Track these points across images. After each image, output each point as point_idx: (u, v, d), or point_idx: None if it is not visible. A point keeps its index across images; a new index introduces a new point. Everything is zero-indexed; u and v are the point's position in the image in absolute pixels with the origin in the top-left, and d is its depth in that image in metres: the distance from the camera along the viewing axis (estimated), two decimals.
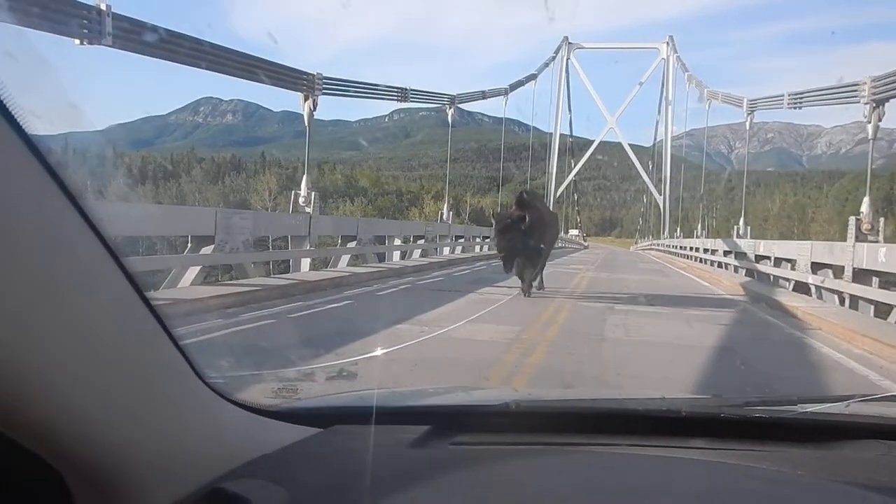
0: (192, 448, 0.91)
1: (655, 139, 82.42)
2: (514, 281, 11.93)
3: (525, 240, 11.06)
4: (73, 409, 0.70)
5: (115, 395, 0.76)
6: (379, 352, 5.57)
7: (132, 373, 0.79)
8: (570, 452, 1.21)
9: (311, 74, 13.68)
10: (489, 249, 26.33)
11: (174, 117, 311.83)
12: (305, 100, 13.67)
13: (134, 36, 10.35)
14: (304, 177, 14.19)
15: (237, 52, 12.47)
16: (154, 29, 11.09)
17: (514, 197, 12.71)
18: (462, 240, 25.77)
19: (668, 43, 73.50)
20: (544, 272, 13.04)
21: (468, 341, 7.08)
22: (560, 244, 52.36)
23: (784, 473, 1.10)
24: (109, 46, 9.69)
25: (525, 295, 11.44)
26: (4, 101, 0.59)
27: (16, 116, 0.60)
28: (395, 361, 5.35)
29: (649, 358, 6.83)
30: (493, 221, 11.97)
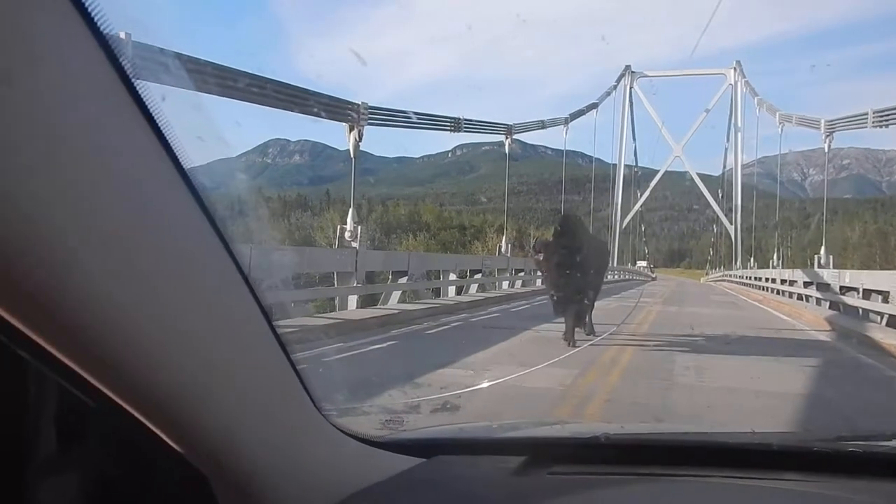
0: (314, 472, 0.99)
1: (724, 167, 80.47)
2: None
3: (582, 273, 9.34)
4: (216, 423, 0.78)
5: (249, 416, 0.83)
6: (485, 384, 6.12)
7: (266, 398, 0.87)
8: (661, 481, 1.23)
9: (356, 104, 13.22)
10: None
11: (244, 159, 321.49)
12: (350, 130, 13.19)
13: (195, 74, 10.26)
14: (351, 210, 13.66)
15: (279, 82, 12.17)
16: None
17: (557, 223, 10.48)
18: (522, 273, 24.85)
19: (735, 68, 71.90)
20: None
21: (516, 389, 6.27)
22: (627, 276, 51.49)
23: None
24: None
25: (570, 344, 9.09)
26: (173, 145, 0.66)
27: (174, 149, 0.66)
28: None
29: (727, 408, 5.87)
30: (535, 252, 9.92)
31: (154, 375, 0.69)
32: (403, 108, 17.58)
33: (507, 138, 23.74)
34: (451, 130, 18.71)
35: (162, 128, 0.65)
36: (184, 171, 0.67)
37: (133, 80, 0.61)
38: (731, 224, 68.14)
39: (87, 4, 0.55)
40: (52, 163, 0.53)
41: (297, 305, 10.76)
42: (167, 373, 0.70)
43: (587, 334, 10.06)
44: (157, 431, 0.75)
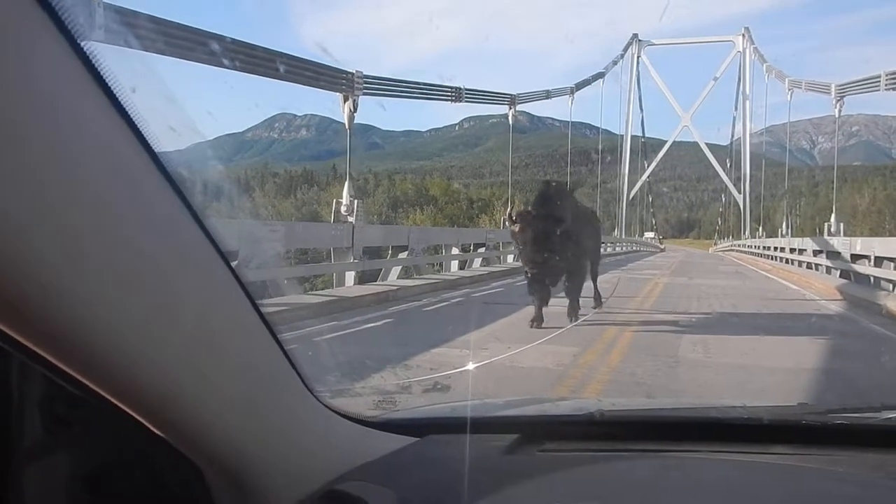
0: (307, 454, 0.99)
1: (733, 136, 79.60)
2: (585, 289, 10.73)
3: (565, 248, 8.17)
4: (206, 414, 0.77)
5: (239, 403, 0.83)
6: (471, 366, 5.79)
7: (255, 383, 0.86)
8: (653, 457, 1.24)
9: (349, 73, 12.75)
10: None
11: (251, 134, 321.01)
12: (345, 101, 12.73)
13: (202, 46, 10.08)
14: (346, 184, 13.24)
15: (270, 50, 11.76)
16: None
17: (537, 192, 9.18)
18: None
19: (744, 35, 70.76)
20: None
21: (513, 369, 5.96)
22: (634, 247, 51.19)
23: (866, 476, 1.15)
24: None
25: (572, 319, 8.55)
26: (138, 124, 0.63)
27: (144, 134, 0.64)
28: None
29: (736, 386, 5.57)
30: (510, 223, 8.48)
31: (136, 367, 0.68)
32: (406, 80, 17.08)
33: (510, 108, 23.22)
34: (451, 100, 18.18)
35: (130, 113, 0.62)
36: (155, 155, 0.65)
37: (87, 51, 0.57)
38: (740, 193, 67.59)
39: None
40: (13, 157, 0.51)
41: (291, 283, 10.46)
42: (149, 363, 0.69)
43: (594, 308, 9.60)
44: (145, 422, 0.74)
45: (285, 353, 0.92)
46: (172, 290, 0.69)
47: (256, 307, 0.83)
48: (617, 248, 43.28)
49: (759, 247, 36.98)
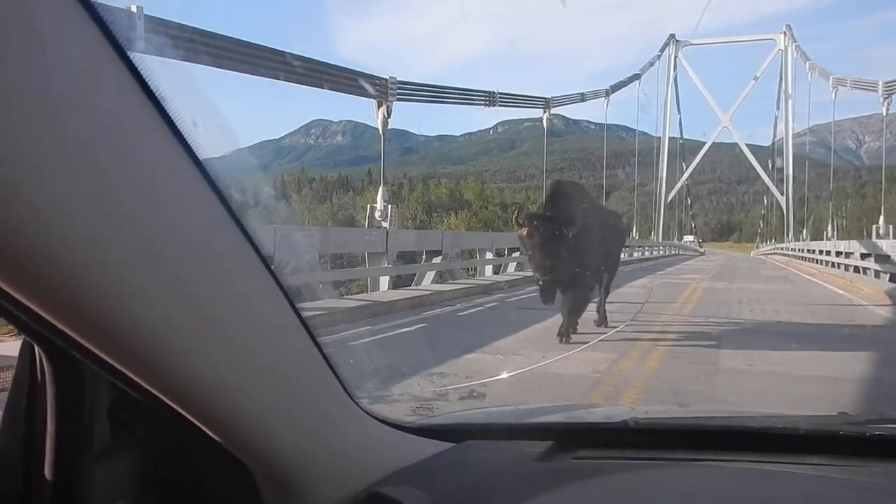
0: (348, 458, 1.01)
1: (774, 137, 78.09)
2: (620, 295, 10.52)
3: (576, 253, 7.51)
4: (255, 418, 0.80)
5: (285, 409, 0.85)
6: (505, 374, 5.87)
7: (299, 389, 0.89)
8: (687, 466, 1.23)
9: (383, 79, 12.74)
10: None
11: (287, 140, 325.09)
12: (379, 107, 12.72)
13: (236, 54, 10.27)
14: (381, 189, 13.22)
15: (306, 58, 11.81)
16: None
17: (548, 191, 8.60)
18: None
19: (785, 32, 69.45)
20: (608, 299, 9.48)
21: (547, 377, 5.85)
22: (672, 251, 50.46)
23: None
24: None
25: (562, 340, 7.57)
26: (185, 134, 0.64)
27: (189, 141, 0.65)
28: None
29: (779, 395, 5.38)
30: (517, 226, 7.68)
31: (187, 371, 0.70)
32: (440, 85, 17.07)
33: (544, 112, 23.05)
34: (485, 105, 18.06)
35: (172, 116, 0.63)
36: (198, 161, 0.66)
37: (136, 63, 0.59)
38: (783, 195, 66.30)
39: None
40: (69, 164, 0.53)
41: (326, 287, 10.48)
42: (199, 369, 0.71)
43: (597, 325, 8.66)
44: (200, 426, 0.77)
45: (326, 359, 0.93)
46: (221, 297, 0.71)
47: (298, 313, 0.85)
48: (654, 252, 42.73)
49: (803, 250, 36.22)
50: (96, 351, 0.63)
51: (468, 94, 17.55)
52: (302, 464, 0.91)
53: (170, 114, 0.62)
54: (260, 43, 11.80)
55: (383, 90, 12.62)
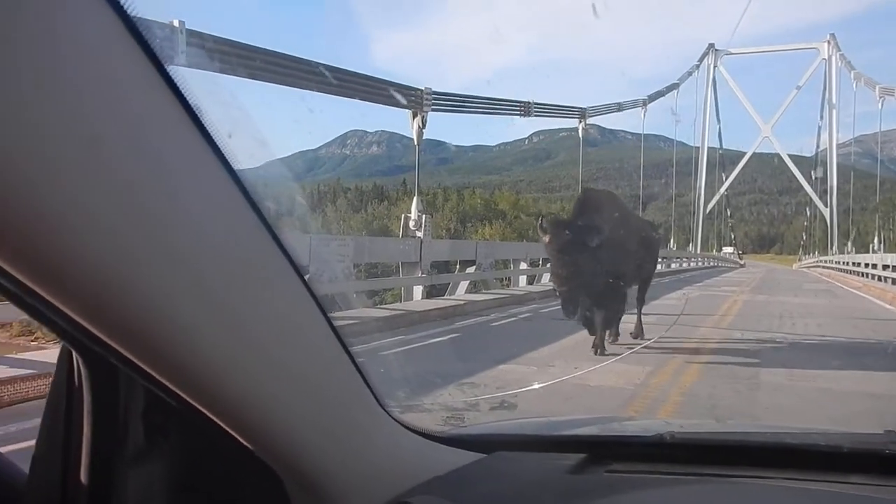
0: (378, 466, 1.01)
1: (818, 147, 76.59)
2: (656, 307, 10.31)
3: (603, 264, 7.11)
4: (286, 425, 0.81)
5: (316, 417, 0.86)
6: (537, 385, 5.81)
7: (331, 398, 0.90)
8: (723, 482, 1.20)
9: (418, 90, 12.79)
10: None
11: (324, 151, 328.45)
12: (414, 117, 12.76)
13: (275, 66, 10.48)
14: (415, 199, 13.25)
15: (342, 69, 11.92)
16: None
17: (577, 199, 8.18)
18: None
19: (829, 41, 68.21)
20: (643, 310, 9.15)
21: (581, 388, 5.77)
22: (712, 263, 49.67)
23: None
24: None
25: (597, 352, 7.40)
26: (220, 145, 0.65)
27: (221, 148, 0.66)
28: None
29: (821, 412, 5.23)
30: (541, 233, 7.30)
31: (219, 378, 0.71)
32: (475, 95, 17.06)
33: (580, 122, 22.91)
34: (521, 115, 18.02)
35: (208, 128, 0.64)
36: (233, 171, 0.67)
37: (172, 75, 0.60)
38: (826, 207, 64.93)
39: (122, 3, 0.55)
40: (110, 173, 0.54)
41: (360, 297, 10.51)
42: (231, 375, 0.72)
43: (633, 337, 8.46)
44: (232, 432, 0.78)
45: (358, 367, 0.94)
46: (254, 306, 0.72)
47: (330, 322, 0.86)
48: (692, 264, 42.13)
49: (847, 263, 35.41)
50: (131, 357, 0.65)
51: (503, 105, 17.53)
52: (331, 472, 0.91)
53: (206, 125, 0.63)
54: (297, 55, 11.94)
55: (418, 101, 12.67)
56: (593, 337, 7.69)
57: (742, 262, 63.06)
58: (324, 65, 11.67)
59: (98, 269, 0.56)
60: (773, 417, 5.11)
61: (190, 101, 0.62)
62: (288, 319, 0.79)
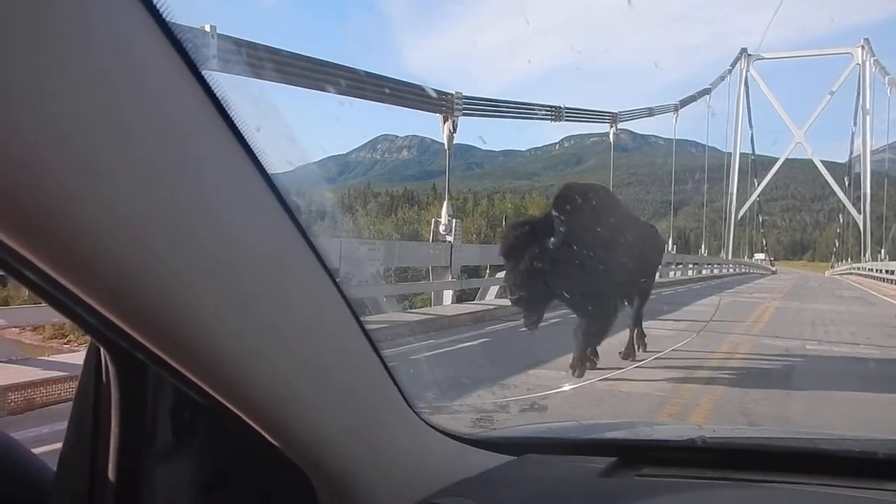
0: (408, 467, 1.02)
1: (851, 153, 75.30)
2: (687, 312, 10.23)
3: (565, 270, 6.10)
4: (316, 425, 0.82)
5: (346, 418, 0.87)
6: (567, 387, 5.73)
7: (361, 399, 0.90)
8: (756, 488, 1.17)
9: (449, 94, 12.87)
10: (660, 277, 24.26)
11: (354, 155, 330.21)
12: (444, 121, 12.86)
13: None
14: (445, 203, 13.29)
15: (374, 74, 12.04)
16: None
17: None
18: None
19: (863, 46, 67.06)
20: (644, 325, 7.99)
21: (610, 393, 5.79)
22: (743, 269, 48.98)
23: None
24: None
25: (574, 373, 6.47)
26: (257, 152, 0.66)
27: (253, 148, 0.66)
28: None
29: (854, 420, 5.17)
30: (502, 240, 6.55)
31: (248, 377, 0.71)
32: (506, 100, 17.11)
33: (611, 127, 22.83)
34: (551, 120, 18.03)
35: (242, 132, 0.64)
36: (266, 174, 0.68)
37: (207, 78, 0.61)
38: (860, 213, 63.74)
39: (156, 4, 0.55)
40: (142, 173, 0.55)
41: (390, 301, 10.60)
42: (263, 374, 0.72)
43: (623, 358, 7.32)
44: (259, 429, 0.78)
45: (388, 369, 0.94)
46: (285, 306, 0.73)
47: (361, 324, 0.86)
48: (724, 270, 41.66)
49: (881, 270, 34.73)
50: (161, 353, 0.65)
51: (534, 109, 17.54)
52: (360, 472, 0.91)
53: (240, 129, 0.64)
54: (328, 59, 12.10)
55: (449, 105, 12.76)
56: (624, 339, 7.63)
57: (774, 269, 62.17)
58: (356, 69, 11.82)
59: (129, 265, 0.56)
60: (806, 423, 5.09)
61: (224, 106, 0.62)
62: (318, 319, 0.79)
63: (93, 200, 0.52)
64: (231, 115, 0.63)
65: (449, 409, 4.75)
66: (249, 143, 0.65)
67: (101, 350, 0.80)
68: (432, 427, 1.11)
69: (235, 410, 0.75)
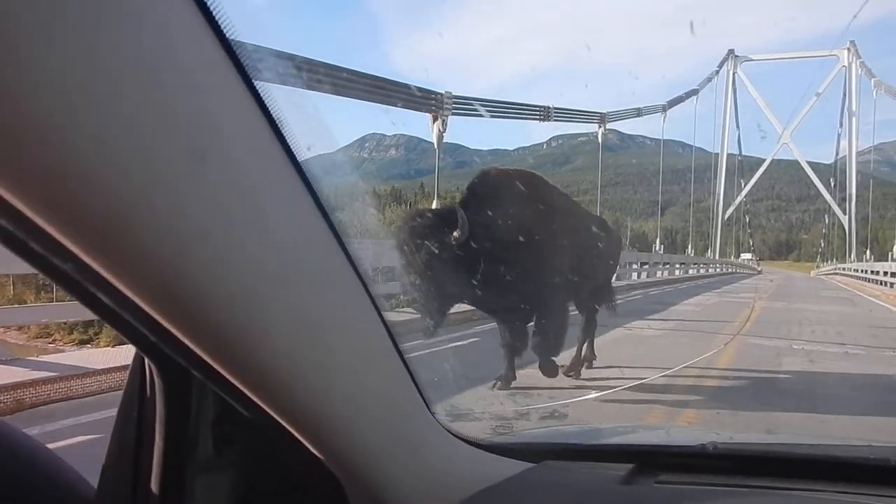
0: (431, 475, 1.02)
1: (837, 155, 75.94)
2: (673, 312, 10.28)
3: (470, 267, 5.16)
4: (349, 431, 0.82)
5: (376, 424, 0.87)
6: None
7: (389, 405, 0.90)
8: (771, 495, 1.21)
9: (438, 94, 12.89)
10: (647, 277, 24.34)
11: (341, 154, 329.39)
12: (434, 121, 12.86)
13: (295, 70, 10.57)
14: (434, 202, 13.32)
15: (361, 73, 12.01)
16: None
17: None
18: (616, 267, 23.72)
19: (849, 49, 67.66)
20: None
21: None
22: (729, 269, 49.28)
23: None
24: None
25: (494, 386, 5.72)
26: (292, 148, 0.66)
27: (293, 149, 0.66)
28: None
29: (844, 421, 5.19)
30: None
31: (303, 387, 0.73)
32: (495, 99, 17.11)
33: (600, 127, 22.91)
34: (540, 119, 18.07)
35: (281, 127, 0.64)
36: (304, 175, 0.68)
37: (253, 79, 0.61)
38: (845, 214, 64.31)
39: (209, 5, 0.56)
40: (186, 169, 0.55)
41: (377, 300, 10.53)
42: (307, 383, 0.73)
43: (565, 374, 6.46)
44: (300, 437, 0.79)
45: (411, 372, 0.95)
46: (328, 312, 0.74)
47: (390, 332, 0.87)
48: (710, 270, 41.91)
49: (866, 271, 35.06)
50: (214, 364, 0.66)
51: (523, 109, 17.58)
52: (394, 481, 0.92)
53: (283, 132, 0.64)
54: (315, 58, 12.06)
55: (439, 104, 12.77)
56: (618, 343, 7.61)
57: (759, 269, 62.61)
58: (345, 69, 11.81)
59: (185, 273, 0.57)
60: (797, 425, 5.11)
61: (271, 110, 0.63)
62: (355, 327, 0.80)
63: (165, 211, 0.53)
64: (275, 117, 0.63)
65: (468, 415, 4.59)
66: (294, 151, 0.66)
67: (147, 363, 0.81)
68: (451, 433, 1.12)
69: (282, 421, 0.76)
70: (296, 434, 0.79)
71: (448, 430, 1.10)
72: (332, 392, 0.78)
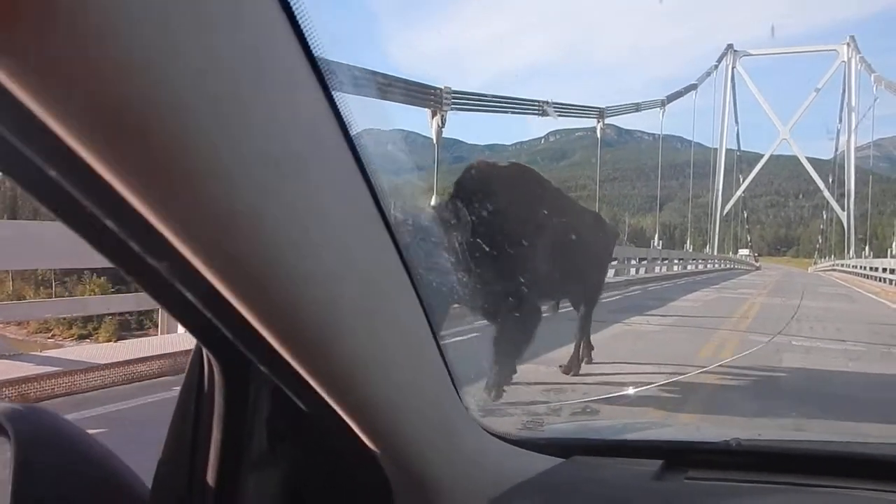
0: (465, 472, 1.02)
1: (836, 150, 76.00)
2: (672, 308, 10.29)
3: (481, 265, 4.79)
4: (400, 427, 0.85)
5: (421, 420, 0.89)
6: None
7: (433, 401, 0.92)
8: (801, 492, 1.20)
9: (437, 89, 12.85)
10: (646, 272, 24.35)
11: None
12: (433, 116, 12.83)
13: None
14: (433, 199, 13.31)
15: (358, 68, 11.95)
16: None
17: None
18: (615, 262, 23.73)
19: (849, 44, 67.64)
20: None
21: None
22: (727, 265, 49.30)
23: None
24: None
25: (491, 396, 5.15)
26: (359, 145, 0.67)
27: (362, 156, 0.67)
28: None
29: (838, 417, 5.21)
30: None
31: (367, 381, 0.76)
32: (494, 94, 17.10)
33: (598, 122, 22.89)
34: (538, 114, 18.07)
35: (352, 135, 0.65)
36: (373, 189, 0.69)
37: (331, 88, 0.62)
38: (844, 210, 64.40)
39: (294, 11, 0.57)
40: (272, 171, 0.56)
41: None
42: (368, 376, 0.75)
43: (564, 372, 6.50)
44: (360, 434, 0.81)
45: (448, 368, 0.95)
46: (386, 309, 0.76)
47: (431, 324, 0.87)
48: (709, 266, 41.93)
49: (864, 267, 35.12)
50: (292, 361, 0.68)
51: (521, 104, 17.55)
52: (431, 474, 0.94)
53: (350, 130, 0.66)
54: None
55: (438, 100, 12.74)
56: (616, 339, 7.62)
57: (758, 265, 62.62)
58: (344, 64, 11.75)
59: (285, 273, 0.60)
60: (793, 420, 5.12)
61: (345, 120, 0.65)
62: (405, 324, 0.83)
63: (253, 212, 0.55)
64: (344, 115, 0.64)
65: (498, 411, 4.73)
66: (365, 163, 0.67)
67: (206, 359, 0.83)
68: (484, 429, 1.13)
69: (344, 415, 0.78)
70: (355, 427, 0.80)
71: (480, 426, 1.11)
72: (388, 385, 0.80)
